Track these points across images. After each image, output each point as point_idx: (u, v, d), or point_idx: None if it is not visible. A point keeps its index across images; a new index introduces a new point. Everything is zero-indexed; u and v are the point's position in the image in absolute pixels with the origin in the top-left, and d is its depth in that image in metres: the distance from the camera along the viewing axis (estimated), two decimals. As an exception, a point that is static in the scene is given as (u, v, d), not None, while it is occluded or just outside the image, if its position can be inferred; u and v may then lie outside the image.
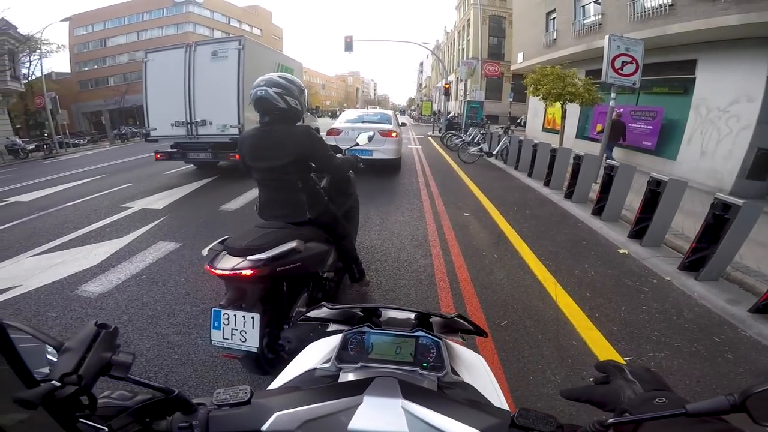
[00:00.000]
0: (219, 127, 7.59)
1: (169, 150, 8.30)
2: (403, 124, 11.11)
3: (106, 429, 0.46)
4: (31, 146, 18.87)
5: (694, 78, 8.84)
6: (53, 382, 0.41)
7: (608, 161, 5.77)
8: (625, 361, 2.44)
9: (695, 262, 3.57)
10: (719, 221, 3.41)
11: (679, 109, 9.28)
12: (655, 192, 4.26)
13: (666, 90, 10.02)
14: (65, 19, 23.78)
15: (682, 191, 4.22)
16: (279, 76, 2.13)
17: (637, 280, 3.63)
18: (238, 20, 48.56)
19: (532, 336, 2.72)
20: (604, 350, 2.54)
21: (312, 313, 0.89)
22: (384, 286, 3.43)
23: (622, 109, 10.85)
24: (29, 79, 24.19)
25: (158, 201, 6.48)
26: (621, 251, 4.37)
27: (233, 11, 48.37)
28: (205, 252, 1.96)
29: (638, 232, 4.44)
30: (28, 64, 24.01)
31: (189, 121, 7.70)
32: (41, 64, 23.58)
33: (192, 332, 2.69)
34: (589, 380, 0.63)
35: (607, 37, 7.06)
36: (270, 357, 2.06)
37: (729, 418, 0.42)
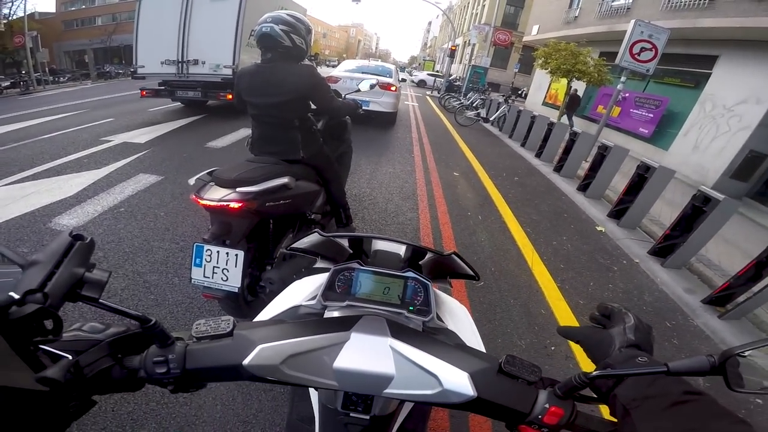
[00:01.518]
0: (212, 66, 7.22)
1: (157, 87, 7.85)
2: (403, 80, 10.64)
3: (70, 357, 0.39)
4: (6, 83, 17.00)
5: (710, 73, 8.59)
6: (10, 294, 0.34)
7: (575, 129, 6.33)
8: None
9: (665, 248, 3.62)
10: (696, 212, 3.44)
11: (684, 102, 9.12)
12: (642, 177, 4.26)
13: (677, 81, 9.75)
14: None
15: (668, 180, 4.22)
16: (287, 14, 1.95)
17: (609, 258, 3.67)
18: None
19: (504, 299, 2.74)
20: (567, 321, 2.59)
21: (302, 242, 0.82)
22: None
23: (627, 94, 10.62)
24: (9, 19, 21.98)
25: (141, 135, 6.07)
26: (598, 228, 4.39)
27: None
28: (192, 181, 1.83)
29: (618, 213, 4.47)
30: (10, 3, 21.85)
31: (180, 60, 7.29)
32: (24, 4, 21.17)
33: (170, 271, 2.54)
34: (583, 323, 0.61)
35: (632, 21, 6.68)
36: (250, 299, 1.98)
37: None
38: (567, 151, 6.31)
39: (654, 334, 0.57)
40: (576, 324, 2.55)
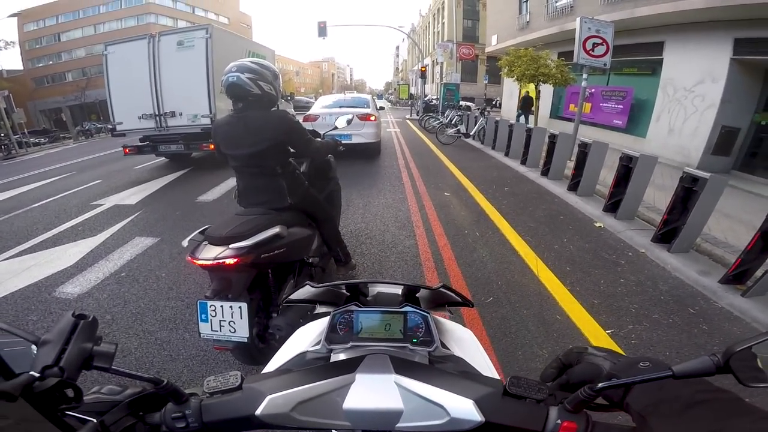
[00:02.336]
0: (190, 117, 7.16)
1: (139, 144, 7.78)
2: (381, 108, 10.83)
3: (95, 420, 0.43)
4: None
5: (662, 59, 8.91)
6: (31, 373, 0.39)
7: (528, 126, 6.90)
8: (608, 333, 2.44)
9: (667, 234, 3.61)
10: (688, 194, 3.45)
11: (647, 89, 9.39)
12: (627, 167, 4.30)
13: (635, 71, 10.11)
14: (13, 15, 21.81)
15: (653, 166, 4.27)
16: (251, 62, 1.98)
17: (614, 253, 3.65)
18: (203, 9, 45.79)
19: (517, 311, 2.69)
20: (586, 324, 2.53)
21: (296, 294, 0.84)
22: (370, 269, 3.34)
23: (594, 89, 10.93)
24: None
25: (131, 196, 6.08)
26: (597, 225, 4.39)
27: (197, 0, 45.46)
28: (185, 243, 1.87)
29: (612, 206, 4.48)
30: None
31: (157, 113, 7.23)
32: None
33: (179, 327, 2.56)
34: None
35: (578, 19, 7.01)
36: (261, 347, 1.96)
37: (716, 380, 0.40)
38: (550, 153, 6.38)
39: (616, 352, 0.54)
40: (598, 326, 2.51)
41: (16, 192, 7.18)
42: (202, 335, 1.70)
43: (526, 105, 12.96)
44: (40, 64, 40.38)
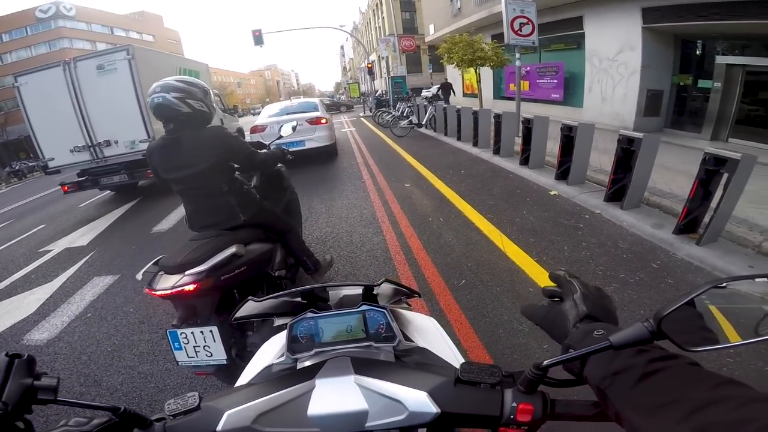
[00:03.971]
0: (127, 144, 6.54)
1: (78, 179, 7.04)
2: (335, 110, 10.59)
3: None
4: None
5: (583, 33, 9.31)
6: None
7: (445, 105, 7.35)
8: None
9: (617, 192, 3.74)
10: (627, 154, 3.59)
11: (576, 63, 9.78)
12: (569, 137, 4.44)
13: (562, 46, 10.52)
14: None
15: (592, 133, 4.42)
16: (176, 80, 1.82)
17: (572, 217, 3.73)
18: (123, 29, 42.70)
19: (490, 290, 2.67)
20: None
21: (240, 312, 0.81)
22: (342, 271, 3.21)
23: (528, 68, 11.24)
24: None
25: (81, 237, 5.58)
26: (552, 193, 4.48)
27: (115, 20, 42.38)
28: (139, 276, 1.77)
29: (563, 173, 4.60)
30: None
31: (90, 144, 6.53)
32: None
33: (159, 359, 2.45)
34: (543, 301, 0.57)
35: (503, 1, 7.20)
36: (243, 365, 1.81)
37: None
38: (498, 133, 6.48)
39: (607, 294, 0.52)
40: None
41: None
42: (180, 363, 1.65)
43: (446, 89, 14.88)
44: None
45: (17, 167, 23.57)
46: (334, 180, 6.65)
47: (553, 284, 0.57)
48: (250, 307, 0.81)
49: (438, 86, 16.99)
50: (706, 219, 2.86)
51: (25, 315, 3.36)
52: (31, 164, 22.86)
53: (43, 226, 6.83)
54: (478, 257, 3.15)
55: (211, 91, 2.00)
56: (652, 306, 2.31)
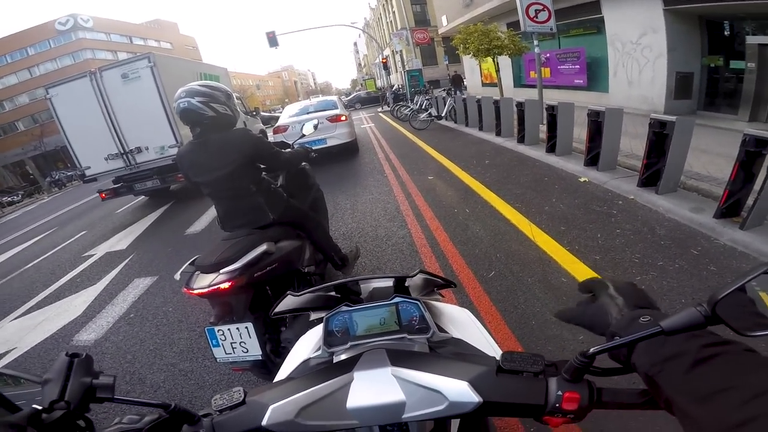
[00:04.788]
0: (157, 150, 6.75)
1: (113, 186, 7.35)
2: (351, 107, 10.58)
3: None
4: None
5: (602, 17, 8.93)
6: (34, 406, 0.42)
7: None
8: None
9: (651, 177, 3.58)
10: (660, 137, 3.43)
11: (598, 47, 9.40)
12: (596, 122, 4.28)
13: (582, 31, 10.14)
14: None
15: (621, 117, 4.26)
16: (200, 85, 1.88)
17: (604, 204, 3.60)
18: (141, 38, 43.68)
19: (521, 281, 2.61)
20: (592, 279, 2.45)
21: (279, 307, 0.83)
22: (368, 266, 3.22)
23: (548, 54, 10.91)
24: None
25: (120, 241, 5.83)
26: (582, 180, 4.34)
27: (132, 29, 43.43)
28: (177, 276, 1.82)
29: (592, 159, 4.45)
30: None
31: (123, 151, 6.77)
32: None
33: (198, 356, 2.54)
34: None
35: None
36: (278, 361, 1.90)
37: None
38: (521, 121, 6.33)
39: (640, 287, 0.51)
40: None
41: (5, 257, 7.00)
42: (218, 360, 1.71)
43: (456, 82, 15.36)
44: None
45: (57, 177, 24.73)
46: (356, 176, 6.67)
47: (584, 294, 0.55)
48: (288, 302, 0.83)
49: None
50: (750, 202, 2.69)
51: (73, 317, 3.54)
52: (69, 174, 23.85)
53: (84, 232, 7.19)
54: (507, 248, 3.09)
55: (233, 94, 2.04)
56: (693, 295, 2.19)
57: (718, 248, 2.65)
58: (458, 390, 0.46)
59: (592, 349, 0.40)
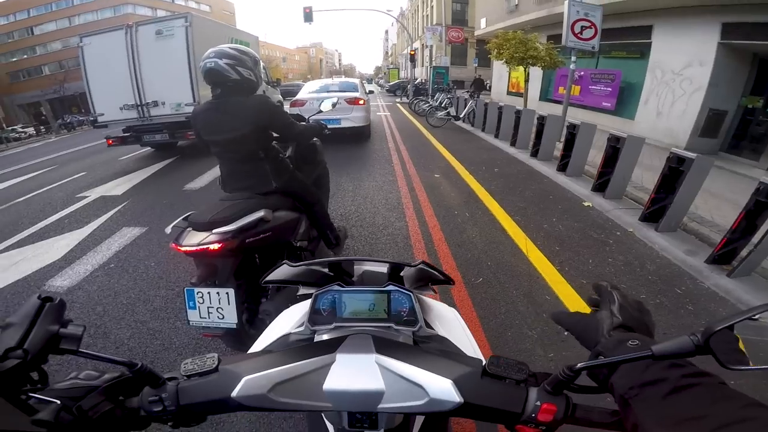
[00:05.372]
0: (173, 106, 6.90)
1: (122, 134, 7.50)
2: (371, 92, 10.54)
3: (58, 402, 0.42)
4: None
5: (650, 43, 8.79)
6: None
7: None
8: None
9: (655, 213, 3.57)
10: (675, 173, 3.41)
11: (636, 72, 9.29)
12: (615, 148, 4.25)
13: (624, 54, 9.97)
14: None
15: (640, 147, 4.23)
16: (230, 47, 1.89)
17: (602, 232, 3.61)
18: None
19: (507, 292, 2.64)
20: (575, 303, 2.49)
21: (273, 274, 0.81)
22: (361, 251, 3.26)
23: (582, 72, 10.80)
24: None
25: (117, 187, 5.87)
26: (585, 204, 4.34)
27: None
28: (168, 230, 1.76)
29: (601, 186, 4.43)
30: None
31: (139, 103, 6.95)
32: None
33: (171, 316, 2.52)
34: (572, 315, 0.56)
35: (566, 2, 6.90)
36: (252, 332, 1.91)
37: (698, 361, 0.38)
38: (539, 135, 6.30)
39: (647, 308, 0.53)
40: (587, 308, 2.45)
41: None
42: (190, 323, 1.67)
43: (478, 86, 15.43)
44: (14, 59, 38.68)
45: (68, 120, 25.11)
46: (364, 160, 6.69)
47: (593, 294, 0.57)
48: (282, 272, 0.81)
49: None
50: (744, 252, 2.71)
51: (52, 260, 3.48)
52: (81, 118, 24.26)
53: (83, 173, 7.27)
54: (500, 258, 3.11)
55: (260, 61, 2.05)
56: (666, 329, 2.24)
57: (701, 290, 2.69)
58: (441, 388, 0.45)
59: (579, 365, 0.41)
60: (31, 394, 0.41)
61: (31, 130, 22.38)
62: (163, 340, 2.29)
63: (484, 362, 0.48)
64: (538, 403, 0.43)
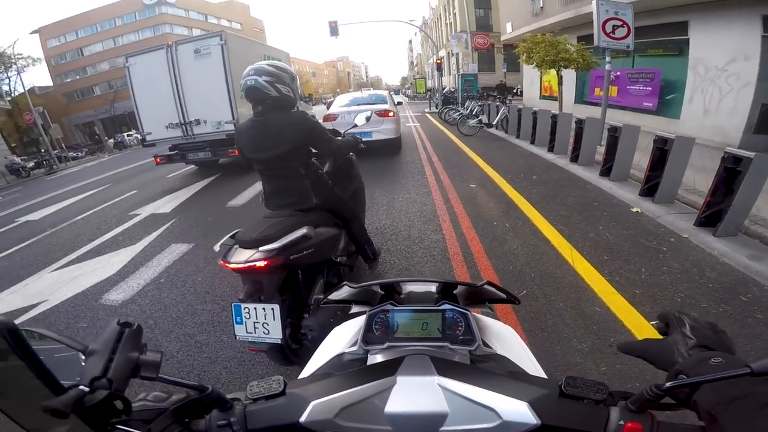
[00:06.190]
0: (214, 124, 7.26)
1: (168, 153, 8.00)
2: (399, 103, 10.67)
3: None
4: (31, 164, 18.47)
5: (688, 39, 8.46)
6: (81, 387, 0.38)
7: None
8: (652, 325, 2.28)
9: (711, 216, 3.38)
10: (731, 174, 3.22)
11: (676, 70, 8.93)
12: (662, 150, 4.08)
13: (661, 52, 9.61)
14: (34, 32, 22.92)
15: (690, 147, 4.04)
16: (268, 64, 1.98)
17: (654, 239, 3.45)
18: (215, 17, 47.28)
19: (553, 304, 2.58)
20: (628, 315, 2.40)
21: (334, 295, 0.83)
22: (398, 265, 3.29)
23: (618, 72, 10.47)
24: (11, 96, 23.34)
25: (165, 205, 6.31)
26: (634, 210, 4.17)
27: (209, 8, 47.02)
28: (217, 248, 1.87)
29: (649, 190, 4.25)
30: (6, 80, 23.20)
31: (183, 122, 7.37)
32: (20, 79, 22.15)
33: (217, 330, 2.63)
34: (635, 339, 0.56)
35: (594, 1, 6.77)
36: (294, 347, 1.99)
37: None
38: (578, 139, 6.15)
39: (722, 328, 0.53)
40: (640, 317, 2.36)
41: (60, 206, 7.71)
42: (237, 337, 1.72)
43: (502, 90, 16.08)
44: (68, 80, 42.07)
45: (119, 139, 27.34)
46: (396, 173, 6.77)
47: (660, 322, 0.58)
48: (343, 292, 0.82)
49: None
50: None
51: (108, 275, 3.77)
52: (133, 134, 26.13)
53: (134, 191, 7.84)
54: (544, 269, 3.05)
55: (297, 77, 2.15)
56: (733, 340, 2.09)
57: (770, 297, 2.50)
58: (516, 410, 0.45)
59: (667, 384, 0.40)
60: (118, 426, 0.42)
61: (79, 153, 24.44)
62: (209, 353, 2.38)
63: (559, 382, 0.47)
64: (622, 422, 0.43)
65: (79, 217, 6.33)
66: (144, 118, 7.66)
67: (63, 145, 22.36)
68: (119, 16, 40.51)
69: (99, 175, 11.44)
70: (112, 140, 27.53)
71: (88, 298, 3.38)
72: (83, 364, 0.42)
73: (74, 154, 23.40)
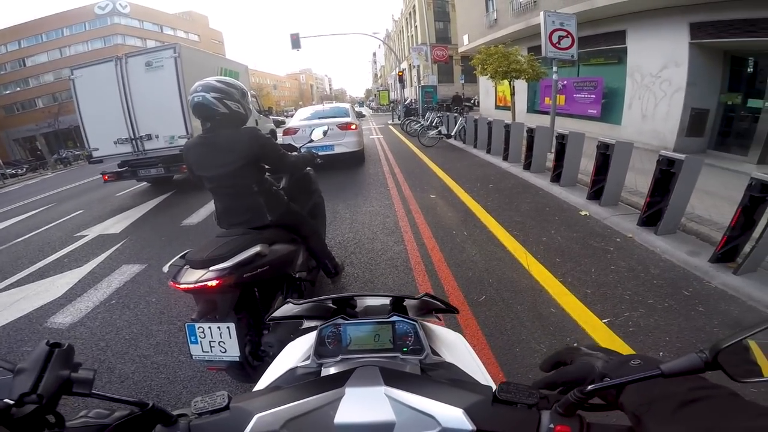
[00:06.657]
0: (166, 139, 6.94)
1: (117, 170, 7.54)
2: (362, 116, 10.73)
3: None
4: None
5: (626, 48, 9.12)
6: (5, 400, 0.39)
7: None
8: (604, 323, 2.42)
9: (652, 216, 3.63)
10: (666, 176, 3.48)
11: (616, 78, 9.58)
12: (605, 155, 4.35)
13: (602, 60, 10.34)
14: None
15: (630, 152, 4.33)
16: (217, 80, 1.94)
17: (602, 240, 3.66)
18: (171, 28, 45.65)
19: (511, 308, 2.66)
20: (582, 314, 2.51)
21: (278, 312, 0.83)
22: (361, 278, 3.28)
23: (565, 81, 11.11)
24: None
25: (115, 225, 5.95)
26: (582, 213, 4.41)
27: (165, 19, 45.41)
28: (165, 269, 1.80)
29: (596, 193, 4.51)
30: None
31: (133, 137, 6.98)
32: None
33: (174, 350, 2.55)
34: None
35: (542, 13, 7.20)
36: (256, 364, 1.94)
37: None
38: (530, 147, 6.43)
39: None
40: (593, 316, 2.48)
41: None
42: (194, 357, 1.70)
43: (457, 101, 16.75)
44: (8, 91, 38.87)
45: (64, 155, 25.33)
46: (359, 186, 6.78)
47: (552, 365, 0.56)
48: (287, 309, 0.83)
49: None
50: (747, 249, 2.75)
51: (53, 298, 3.55)
52: (77, 153, 24.52)
53: (81, 211, 7.33)
54: (501, 274, 3.15)
55: (248, 92, 2.12)
56: (678, 333, 2.26)
57: (709, 290, 2.71)
58: (453, 417, 0.46)
59: (589, 387, 0.42)
60: None
61: (18, 170, 22.55)
62: (167, 374, 2.31)
63: (494, 388, 0.49)
64: (552, 425, 0.44)
65: (20, 239, 5.84)
66: (90, 133, 7.18)
67: (0, 161, 20.61)
68: (67, 26, 38.15)
69: (41, 194, 10.59)
70: (55, 155, 25.63)
71: (32, 321, 3.19)
72: (13, 382, 0.42)
73: (13, 171, 21.58)
